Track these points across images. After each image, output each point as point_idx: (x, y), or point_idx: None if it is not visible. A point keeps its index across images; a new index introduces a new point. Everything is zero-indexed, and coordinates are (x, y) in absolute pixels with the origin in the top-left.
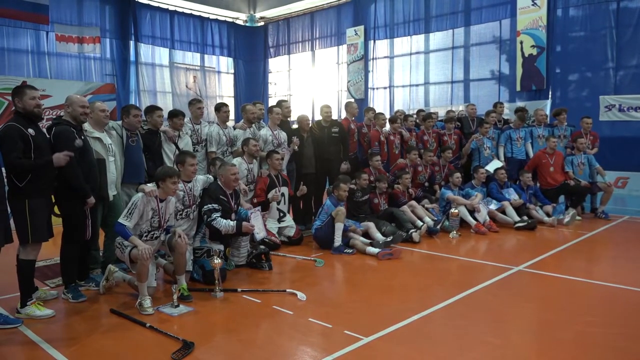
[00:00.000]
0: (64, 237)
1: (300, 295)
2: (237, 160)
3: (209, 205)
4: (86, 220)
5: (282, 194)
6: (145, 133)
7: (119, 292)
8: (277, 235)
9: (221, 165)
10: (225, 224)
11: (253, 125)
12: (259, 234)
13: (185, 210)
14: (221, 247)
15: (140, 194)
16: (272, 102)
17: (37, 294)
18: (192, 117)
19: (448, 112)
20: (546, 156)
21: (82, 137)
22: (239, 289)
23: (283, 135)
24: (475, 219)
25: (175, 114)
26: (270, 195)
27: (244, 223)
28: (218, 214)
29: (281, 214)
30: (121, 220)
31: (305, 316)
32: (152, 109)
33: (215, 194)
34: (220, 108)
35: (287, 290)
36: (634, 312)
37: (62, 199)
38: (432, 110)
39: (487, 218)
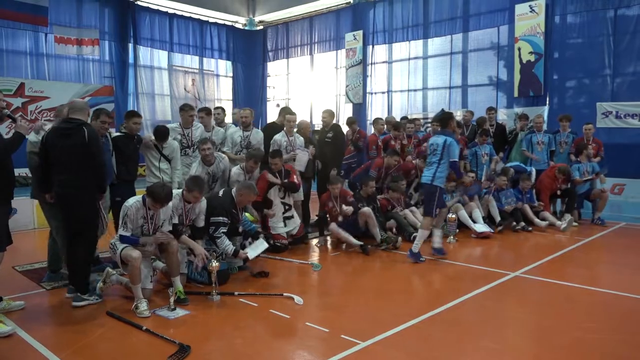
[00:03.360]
0: (78, 242)
1: (297, 299)
2: (235, 171)
3: (220, 218)
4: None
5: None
6: (122, 137)
7: (116, 295)
8: (285, 237)
9: (245, 185)
10: (226, 246)
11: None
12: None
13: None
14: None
15: (129, 203)
16: (270, 105)
17: (0, 305)
18: (182, 122)
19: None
20: (555, 184)
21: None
22: (236, 293)
23: (300, 141)
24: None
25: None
26: (270, 215)
27: (240, 252)
28: (224, 230)
29: (286, 207)
30: (120, 232)
31: (302, 320)
32: (129, 115)
33: (229, 207)
34: (240, 112)
35: (285, 294)
36: (632, 318)
37: (85, 201)
38: (429, 116)
39: (490, 230)
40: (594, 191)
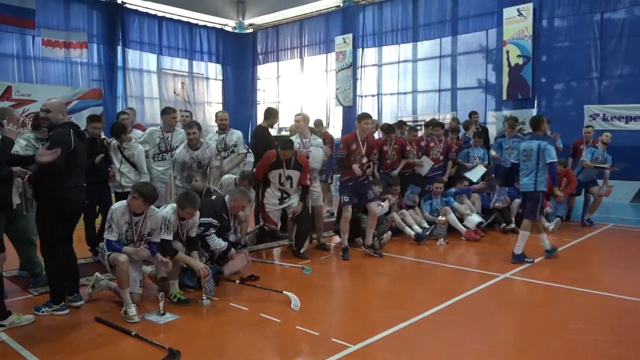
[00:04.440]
0: (70, 243)
1: (295, 303)
2: (228, 180)
3: (210, 219)
4: None
5: (290, 177)
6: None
7: (105, 300)
8: (276, 222)
9: (239, 190)
10: (218, 242)
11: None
12: (226, 272)
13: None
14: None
15: (115, 206)
16: (260, 109)
17: (10, 320)
18: (164, 125)
19: (452, 121)
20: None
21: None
22: (237, 281)
23: (317, 141)
24: (465, 226)
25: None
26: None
27: (232, 251)
28: (214, 231)
29: (284, 195)
30: (106, 236)
31: (292, 324)
32: (89, 120)
33: (220, 211)
34: (217, 115)
35: (284, 292)
36: (622, 319)
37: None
38: (419, 119)
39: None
40: (594, 188)
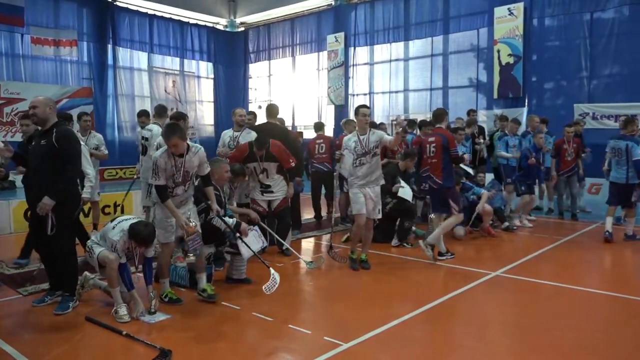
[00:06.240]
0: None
1: (269, 285)
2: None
3: (204, 204)
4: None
5: (265, 169)
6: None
7: (95, 299)
8: (263, 207)
9: (214, 162)
10: (224, 223)
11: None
12: (244, 254)
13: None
14: (212, 249)
15: (116, 238)
16: (252, 107)
17: None
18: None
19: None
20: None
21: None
22: (240, 233)
23: (375, 136)
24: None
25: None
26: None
27: (243, 225)
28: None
29: (263, 185)
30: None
31: (284, 322)
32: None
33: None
34: (235, 111)
35: (272, 269)
36: (610, 316)
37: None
38: (410, 117)
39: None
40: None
